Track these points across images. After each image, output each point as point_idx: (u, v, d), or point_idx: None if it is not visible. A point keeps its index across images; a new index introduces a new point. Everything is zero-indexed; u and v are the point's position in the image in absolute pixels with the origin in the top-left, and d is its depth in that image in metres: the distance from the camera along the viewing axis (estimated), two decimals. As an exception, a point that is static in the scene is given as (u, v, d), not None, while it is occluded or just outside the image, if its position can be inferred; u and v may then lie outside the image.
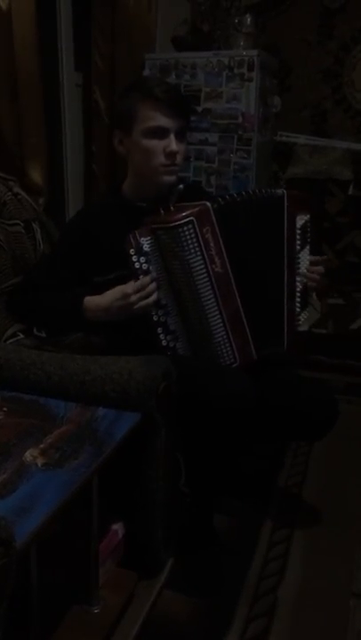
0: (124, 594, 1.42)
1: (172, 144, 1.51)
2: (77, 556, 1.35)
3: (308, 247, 1.63)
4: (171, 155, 1.53)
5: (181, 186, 1.64)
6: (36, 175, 2.14)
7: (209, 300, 1.48)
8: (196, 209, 1.45)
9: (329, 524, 1.76)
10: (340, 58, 3.00)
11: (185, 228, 1.42)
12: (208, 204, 1.47)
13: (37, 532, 0.92)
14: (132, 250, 1.46)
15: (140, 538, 1.49)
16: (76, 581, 1.36)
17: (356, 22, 2.93)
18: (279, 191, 1.58)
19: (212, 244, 1.45)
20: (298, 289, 1.62)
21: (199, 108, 2.62)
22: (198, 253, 1.44)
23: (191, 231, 1.43)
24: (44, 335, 1.77)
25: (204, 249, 1.44)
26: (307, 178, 3.06)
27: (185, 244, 1.43)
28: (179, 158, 1.55)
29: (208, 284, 1.46)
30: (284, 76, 3.06)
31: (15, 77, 2.01)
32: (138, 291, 1.45)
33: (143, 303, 1.46)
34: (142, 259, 1.47)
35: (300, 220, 1.60)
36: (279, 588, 1.51)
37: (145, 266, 1.47)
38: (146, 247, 1.47)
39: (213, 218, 1.46)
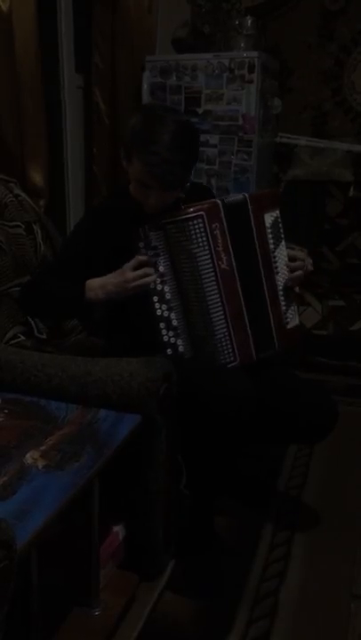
0: (124, 596, 1.41)
1: (152, 199, 1.48)
2: (78, 558, 1.35)
3: (283, 243, 1.60)
4: (150, 205, 1.51)
5: (183, 195, 1.62)
6: (37, 177, 2.14)
7: (213, 295, 1.49)
8: (207, 205, 1.48)
9: (330, 526, 1.76)
10: (341, 59, 2.99)
11: (195, 222, 1.45)
12: (218, 201, 1.49)
13: (38, 535, 0.92)
14: (140, 243, 1.48)
15: (141, 540, 1.49)
16: (76, 583, 1.36)
17: (357, 24, 2.93)
18: (240, 196, 1.56)
19: (219, 241, 1.47)
20: (280, 287, 1.60)
21: (200, 110, 2.62)
22: (206, 248, 1.46)
23: (201, 225, 1.45)
24: (44, 337, 1.77)
25: (212, 244, 1.47)
26: (307, 180, 3.06)
27: (194, 237, 1.45)
28: (158, 206, 1.51)
29: (213, 279, 1.48)
30: (284, 78, 3.06)
31: (16, 79, 2.01)
32: (134, 268, 1.46)
33: (140, 282, 1.46)
34: (150, 252, 1.49)
35: (270, 218, 1.58)
36: (280, 590, 1.51)
37: (152, 259, 1.49)
38: (154, 241, 1.49)
39: (223, 215, 1.48)
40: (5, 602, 0.86)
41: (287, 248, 1.61)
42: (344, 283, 3.18)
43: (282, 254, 1.61)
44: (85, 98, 2.66)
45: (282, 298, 1.61)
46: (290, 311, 1.63)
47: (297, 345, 1.71)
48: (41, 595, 1.15)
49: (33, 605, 1.14)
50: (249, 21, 2.78)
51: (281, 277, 1.61)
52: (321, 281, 3.07)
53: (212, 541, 1.64)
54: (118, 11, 2.55)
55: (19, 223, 1.78)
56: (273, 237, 1.58)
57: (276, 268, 1.60)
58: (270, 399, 1.54)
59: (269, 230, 1.58)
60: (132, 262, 1.47)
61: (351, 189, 3.04)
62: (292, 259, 1.62)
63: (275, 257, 1.59)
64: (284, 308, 1.62)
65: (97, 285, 1.49)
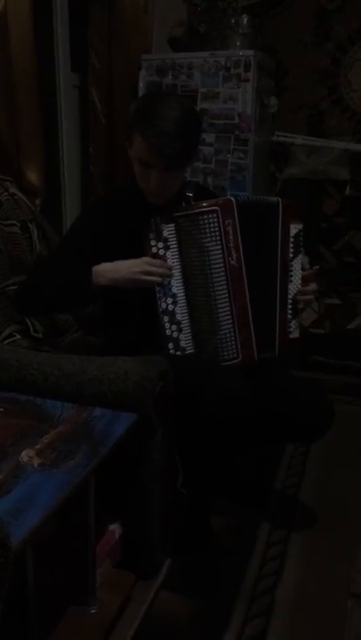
0: (121, 594, 1.41)
1: (154, 179, 1.48)
2: (74, 557, 1.35)
3: (300, 256, 1.63)
4: (151, 186, 1.51)
5: (191, 194, 1.63)
6: (33, 176, 2.14)
7: (222, 290, 1.50)
8: (221, 200, 1.50)
9: (327, 525, 1.76)
10: (337, 58, 3.00)
11: (209, 216, 1.46)
12: (232, 198, 1.51)
13: (33, 533, 0.92)
14: (151, 234, 1.49)
15: (138, 538, 1.49)
16: (73, 582, 1.36)
17: (353, 23, 2.93)
18: (273, 199, 1.60)
19: (231, 237, 1.49)
20: (290, 296, 1.62)
21: (196, 109, 2.62)
22: (218, 243, 1.48)
23: (215, 220, 1.46)
24: (40, 336, 1.77)
25: (224, 240, 1.48)
26: (304, 178, 3.07)
27: (207, 231, 1.47)
28: (161, 191, 1.52)
29: (223, 274, 1.49)
30: (280, 77, 3.06)
31: (12, 78, 2.01)
32: (153, 264, 1.47)
33: (152, 278, 1.47)
34: (160, 244, 1.50)
35: (294, 229, 1.62)
36: (277, 588, 1.51)
37: (162, 251, 1.50)
38: (166, 233, 1.50)
39: (235, 212, 1.49)
40: (1, 600, 0.86)
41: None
42: (341, 281, 3.18)
43: (297, 267, 1.63)
44: (81, 97, 2.66)
45: (290, 307, 1.62)
46: (294, 322, 1.64)
47: (294, 355, 1.71)
48: (37, 593, 1.15)
49: (29, 604, 1.14)
50: (245, 20, 2.78)
51: (293, 287, 1.62)
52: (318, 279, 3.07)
53: (208, 540, 1.64)
54: (114, 10, 2.55)
55: (14, 222, 1.78)
56: (293, 248, 1.61)
57: (291, 277, 1.61)
58: (266, 400, 1.54)
59: (292, 240, 1.61)
60: (153, 260, 1.48)
61: (348, 188, 3.04)
62: (306, 279, 1.64)
63: (291, 266, 1.61)
64: (290, 316, 1.63)
65: (108, 269, 1.48)
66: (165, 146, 1.42)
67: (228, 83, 2.56)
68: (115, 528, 1.47)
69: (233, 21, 2.82)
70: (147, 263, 1.47)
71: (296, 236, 1.62)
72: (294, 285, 1.63)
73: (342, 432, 2.08)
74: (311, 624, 1.40)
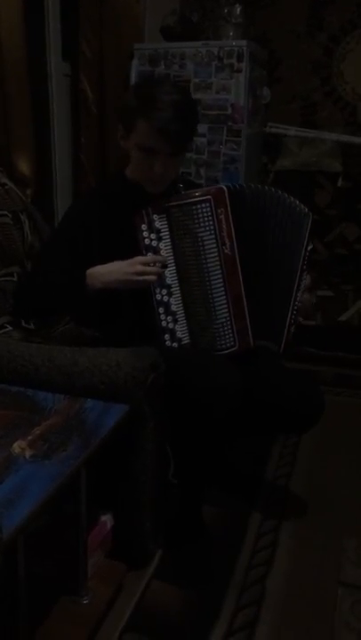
0: (112, 585, 1.42)
1: (158, 166, 1.49)
2: (66, 548, 1.35)
3: (306, 273, 1.61)
4: (153, 174, 1.51)
5: (181, 185, 1.62)
6: (24, 166, 2.12)
7: (217, 280, 1.50)
8: (214, 189, 1.48)
9: (316, 515, 1.77)
10: (330, 49, 2.99)
11: (202, 206, 1.46)
12: (224, 186, 1.50)
13: (25, 524, 0.92)
14: (143, 225, 1.48)
15: (129, 529, 1.49)
16: (64, 572, 1.36)
17: (346, 13, 2.93)
18: (305, 208, 1.57)
19: (224, 226, 1.48)
20: (297, 302, 1.60)
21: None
22: (212, 232, 1.47)
23: (208, 209, 1.46)
24: (32, 327, 1.76)
25: (217, 229, 1.47)
26: (296, 170, 3.06)
27: (201, 220, 1.46)
28: (164, 177, 1.53)
29: (218, 264, 1.49)
30: (273, 68, 3.05)
31: (2, 67, 1.99)
32: (146, 263, 1.46)
33: (147, 278, 1.46)
34: (153, 235, 1.49)
35: (309, 245, 1.60)
36: (267, 578, 1.52)
37: (155, 243, 1.49)
38: (157, 224, 1.49)
39: (228, 201, 1.48)
40: (-8, 591, 0.86)
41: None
42: (333, 273, 3.19)
43: (304, 280, 1.60)
44: (72, 86, 2.63)
45: (295, 312, 1.59)
46: (293, 327, 1.61)
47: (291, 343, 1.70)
48: (28, 584, 1.15)
49: (20, 594, 1.14)
50: (238, 10, 2.76)
51: (300, 295, 1.59)
52: (309, 271, 3.08)
53: (199, 530, 1.65)
54: (106, -2, 2.53)
55: (6, 212, 1.77)
56: (307, 261, 1.58)
57: (301, 285, 1.59)
58: (256, 390, 1.54)
59: (307, 254, 1.58)
60: (146, 258, 1.46)
61: (340, 180, 3.04)
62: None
63: (303, 276, 1.58)
64: (293, 320, 1.59)
65: (102, 272, 1.47)
66: (172, 130, 1.43)
67: (221, 73, 2.54)
68: (106, 519, 1.47)
69: (226, 11, 2.80)
70: (140, 263, 1.46)
71: (310, 251, 1.60)
72: (301, 295, 1.60)
73: (333, 423, 2.10)
74: (302, 612, 1.41)
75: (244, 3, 2.82)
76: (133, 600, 1.43)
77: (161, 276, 1.50)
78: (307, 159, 3.04)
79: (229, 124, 2.58)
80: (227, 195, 1.48)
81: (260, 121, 2.90)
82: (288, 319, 1.57)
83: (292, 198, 1.57)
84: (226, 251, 1.49)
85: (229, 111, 2.57)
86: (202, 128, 2.61)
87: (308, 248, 1.59)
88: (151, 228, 1.49)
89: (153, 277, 1.47)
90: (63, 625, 1.29)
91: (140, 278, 1.46)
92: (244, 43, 2.53)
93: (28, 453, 1.10)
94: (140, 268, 1.46)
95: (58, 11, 2.42)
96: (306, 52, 3.03)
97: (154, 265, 1.48)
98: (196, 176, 2.64)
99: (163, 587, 1.48)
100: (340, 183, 3.05)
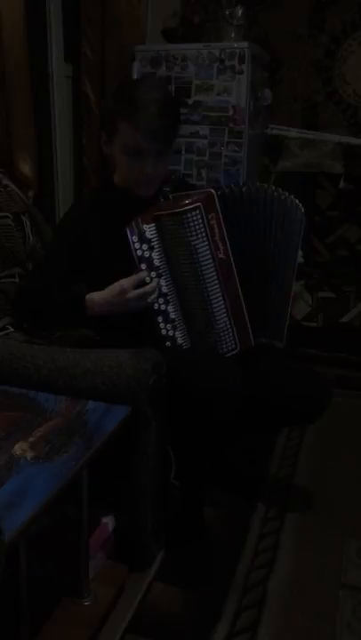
0: (114, 586, 1.42)
1: (146, 166, 1.48)
2: (68, 549, 1.35)
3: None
4: (143, 175, 1.51)
5: (168, 188, 1.61)
6: (26, 167, 2.12)
7: (214, 285, 1.49)
8: (203, 195, 1.47)
9: (319, 516, 1.77)
10: (332, 51, 2.99)
11: (193, 214, 1.44)
12: (213, 191, 1.48)
13: (27, 526, 0.92)
14: (134, 237, 1.46)
15: (131, 530, 1.49)
16: (66, 574, 1.36)
17: (348, 15, 2.92)
18: (298, 202, 1.58)
19: (216, 230, 1.47)
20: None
21: (190, 101, 2.61)
22: (205, 239, 1.46)
23: (198, 217, 1.44)
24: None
25: (209, 235, 1.46)
26: (297, 171, 3.06)
27: (192, 229, 1.44)
28: (154, 178, 1.53)
29: (213, 269, 1.48)
30: (274, 69, 3.05)
31: (3, 69, 1.99)
32: (136, 286, 1.44)
33: (142, 303, 1.45)
34: (144, 246, 1.47)
35: (300, 257, 1.64)
36: (269, 579, 1.52)
37: (147, 253, 1.47)
38: (148, 234, 1.47)
39: (217, 205, 1.47)
40: (-6, 593, 0.86)
41: None
42: (334, 274, 3.19)
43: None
44: (74, 88, 2.63)
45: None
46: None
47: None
48: (30, 585, 1.15)
49: (22, 596, 1.14)
50: (239, 11, 2.76)
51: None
52: (311, 273, 3.08)
53: (201, 532, 1.65)
54: (107, 0, 2.53)
55: (7, 214, 1.77)
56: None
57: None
58: (258, 389, 1.54)
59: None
60: (133, 280, 1.44)
61: (341, 181, 3.04)
62: None
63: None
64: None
65: (100, 302, 1.47)
66: (156, 128, 1.43)
67: (223, 75, 2.55)
68: (108, 520, 1.47)
69: (227, 13, 2.80)
70: (127, 288, 1.43)
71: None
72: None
73: (334, 425, 2.10)
74: (303, 614, 1.41)
75: (245, 4, 2.82)
76: (135, 601, 1.43)
77: (157, 286, 1.49)
78: (308, 161, 3.03)
79: (231, 125, 2.58)
80: (216, 199, 1.47)
81: (262, 122, 2.90)
82: (288, 312, 1.58)
83: (286, 194, 1.57)
84: (220, 255, 1.48)
85: (231, 113, 2.57)
86: (203, 130, 2.61)
87: (301, 234, 1.60)
88: (142, 239, 1.46)
89: (152, 296, 1.46)
90: (65, 626, 1.29)
91: (136, 304, 1.45)
92: (245, 44, 2.53)
93: (29, 455, 1.10)
94: (131, 294, 1.43)
95: (60, 12, 2.43)
96: (307, 53, 3.03)
97: (144, 283, 1.45)
98: (197, 178, 2.64)
99: (164, 588, 1.48)
100: (341, 185, 3.04)
